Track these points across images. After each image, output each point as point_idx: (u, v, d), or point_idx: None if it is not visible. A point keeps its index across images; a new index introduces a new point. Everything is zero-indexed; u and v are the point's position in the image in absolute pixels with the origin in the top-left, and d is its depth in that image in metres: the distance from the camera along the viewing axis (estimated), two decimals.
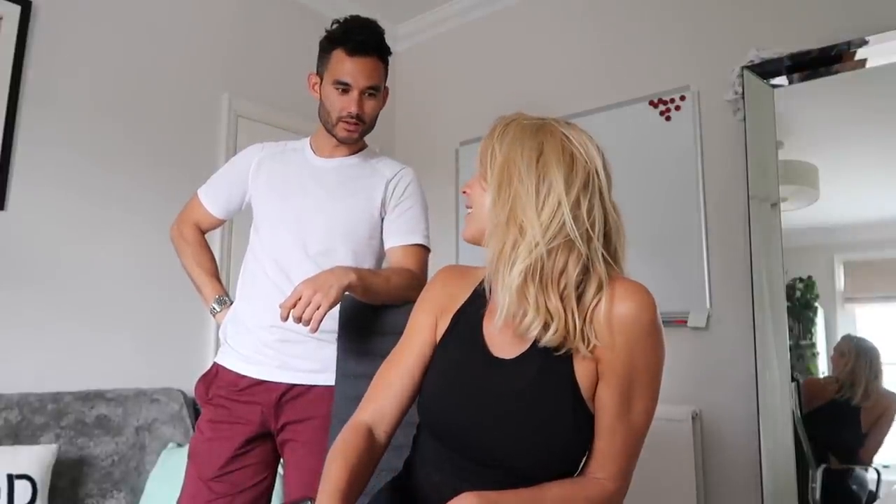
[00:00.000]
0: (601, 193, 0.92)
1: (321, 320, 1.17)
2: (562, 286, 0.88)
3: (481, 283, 1.00)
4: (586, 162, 0.92)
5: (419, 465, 1.03)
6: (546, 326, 0.88)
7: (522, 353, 0.94)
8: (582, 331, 0.88)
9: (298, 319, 1.17)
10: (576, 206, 0.89)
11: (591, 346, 0.88)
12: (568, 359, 0.90)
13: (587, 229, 0.89)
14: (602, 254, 0.90)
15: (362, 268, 1.35)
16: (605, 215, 0.92)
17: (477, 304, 1.02)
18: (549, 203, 0.88)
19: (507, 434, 0.92)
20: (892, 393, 2.08)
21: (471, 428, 0.94)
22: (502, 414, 0.92)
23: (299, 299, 1.17)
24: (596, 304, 0.89)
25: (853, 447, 2.12)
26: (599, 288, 0.89)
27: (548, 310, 0.87)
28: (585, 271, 0.89)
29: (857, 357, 2.14)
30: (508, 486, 0.90)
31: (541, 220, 0.88)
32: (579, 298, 0.89)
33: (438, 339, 1.05)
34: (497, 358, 0.96)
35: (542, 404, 0.91)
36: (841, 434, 2.16)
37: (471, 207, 1.02)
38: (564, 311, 0.88)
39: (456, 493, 0.87)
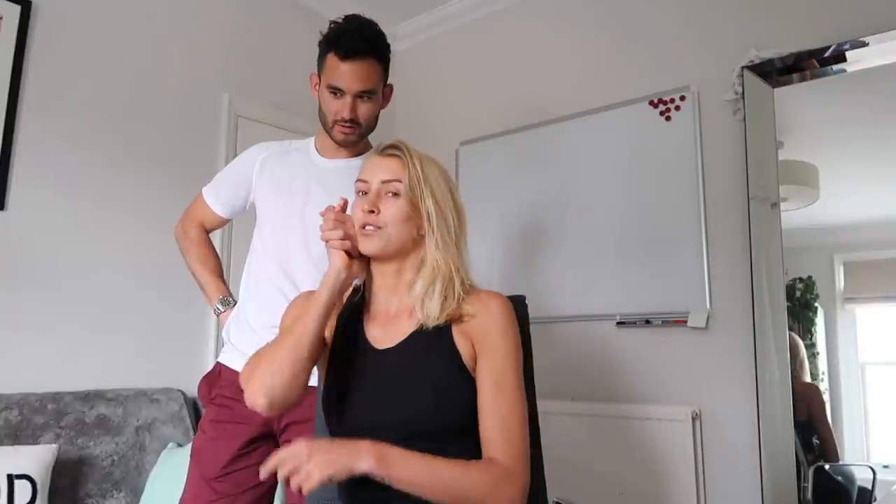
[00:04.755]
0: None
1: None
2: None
3: (352, 294, 1.20)
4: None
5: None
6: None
7: (405, 339, 1.12)
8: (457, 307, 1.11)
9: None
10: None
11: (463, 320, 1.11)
12: (447, 329, 1.10)
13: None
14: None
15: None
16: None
17: (354, 317, 1.17)
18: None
19: (403, 401, 1.08)
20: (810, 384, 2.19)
21: (374, 407, 1.08)
22: (395, 383, 1.09)
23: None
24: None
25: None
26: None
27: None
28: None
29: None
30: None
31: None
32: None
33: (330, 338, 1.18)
34: (381, 350, 1.13)
35: (426, 367, 1.09)
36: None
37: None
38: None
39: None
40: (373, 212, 1.11)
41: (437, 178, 1.14)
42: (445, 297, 1.10)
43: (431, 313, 1.09)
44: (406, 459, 0.98)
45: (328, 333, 1.17)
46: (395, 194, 1.12)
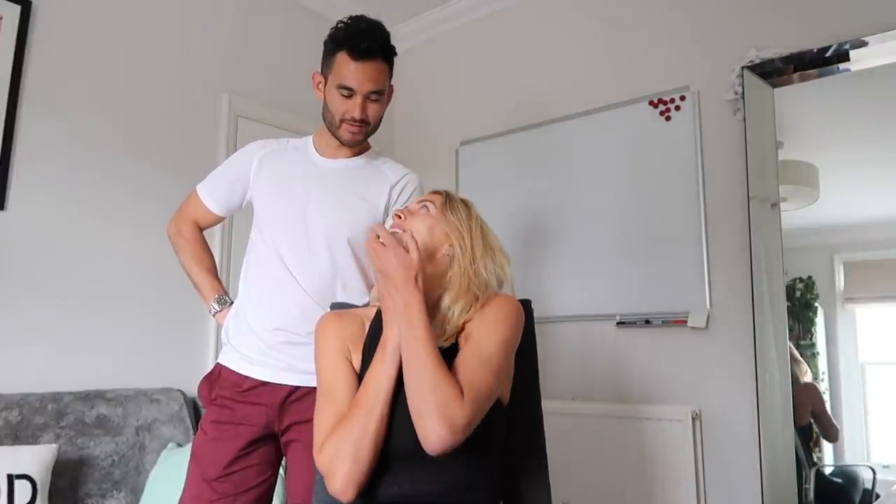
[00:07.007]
0: None
1: None
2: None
3: (376, 316, 1.20)
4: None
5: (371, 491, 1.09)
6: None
7: None
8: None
9: None
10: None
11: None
12: (455, 348, 1.14)
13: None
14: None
15: None
16: None
17: (379, 334, 1.14)
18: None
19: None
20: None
21: (397, 430, 1.08)
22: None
23: None
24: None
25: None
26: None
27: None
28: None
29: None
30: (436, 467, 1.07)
31: None
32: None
33: (359, 370, 1.18)
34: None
35: None
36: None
37: None
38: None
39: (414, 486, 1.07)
40: (400, 217, 1.20)
41: (465, 208, 1.23)
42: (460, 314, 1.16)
43: (448, 333, 1.15)
44: (419, 347, 1.05)
45: (356, 365, 1.19)
46: (426, 209, 1.21)
